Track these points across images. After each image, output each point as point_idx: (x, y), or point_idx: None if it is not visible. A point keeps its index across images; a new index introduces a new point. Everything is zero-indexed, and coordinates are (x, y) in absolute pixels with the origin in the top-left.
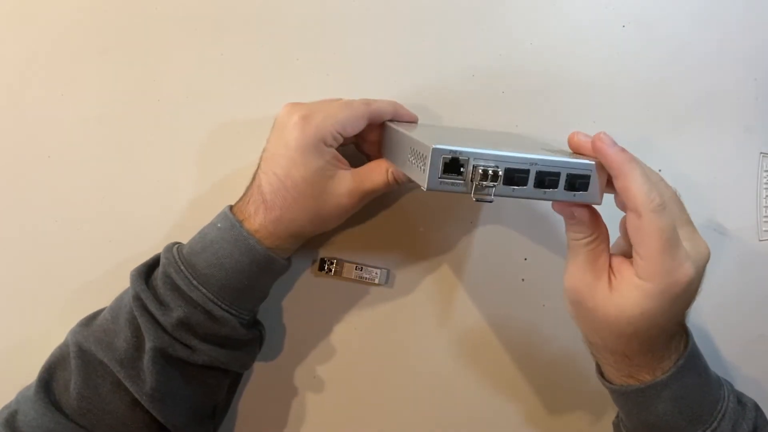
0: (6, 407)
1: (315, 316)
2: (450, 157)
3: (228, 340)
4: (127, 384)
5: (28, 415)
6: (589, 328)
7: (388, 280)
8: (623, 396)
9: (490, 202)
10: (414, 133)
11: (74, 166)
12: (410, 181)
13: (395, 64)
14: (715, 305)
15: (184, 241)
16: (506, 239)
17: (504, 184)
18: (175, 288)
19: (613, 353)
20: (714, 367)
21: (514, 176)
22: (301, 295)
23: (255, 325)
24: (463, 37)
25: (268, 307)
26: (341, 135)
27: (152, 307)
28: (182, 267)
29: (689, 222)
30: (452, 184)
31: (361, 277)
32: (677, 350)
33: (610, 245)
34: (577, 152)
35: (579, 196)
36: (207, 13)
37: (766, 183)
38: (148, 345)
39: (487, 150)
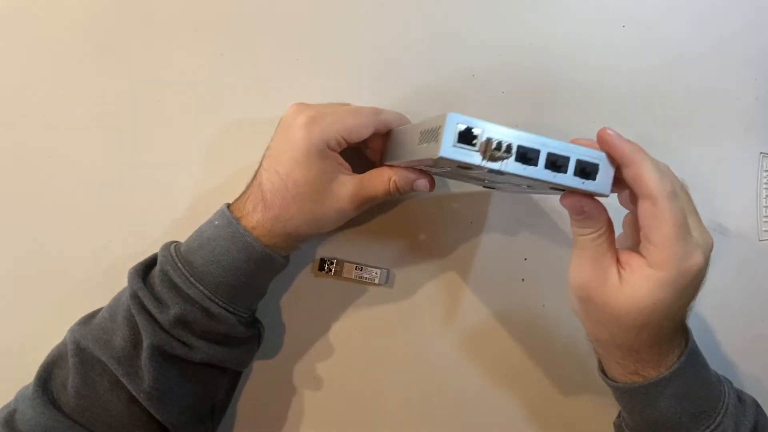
0: (5, 407)
1: (315, 316)
2: (465, 126)
3: (226, 338)
4: (125, 382)
5: (26, 414)
6: (597, 324)
7: (388, 280)
8: (627, 393)
9: (497, 188)
10: (423, 119)
11: (74, 166)
12: (412, 189)
13: (395, 64)
14: (715, 305)
15: (184, 241)
16: (506, 239)
17: (516, 161)
18: (173, 285)
19: (621, 348)
20: (714, 366)
21: (527, 153)
22: (300, 294)
23: (254, 323)
24: (463, 37)
25: (268, 307)
26: (346, 140)
27: (149, 304)
28: (179, 264)
29: (696, 212)
30: (465, 153)
31: (361, 277)
32: (679, 346)
33: None
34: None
35: (588, 184)
36: (207, 13)
37: (766, 183)
38: (146, 342)
39: (500, 126)
